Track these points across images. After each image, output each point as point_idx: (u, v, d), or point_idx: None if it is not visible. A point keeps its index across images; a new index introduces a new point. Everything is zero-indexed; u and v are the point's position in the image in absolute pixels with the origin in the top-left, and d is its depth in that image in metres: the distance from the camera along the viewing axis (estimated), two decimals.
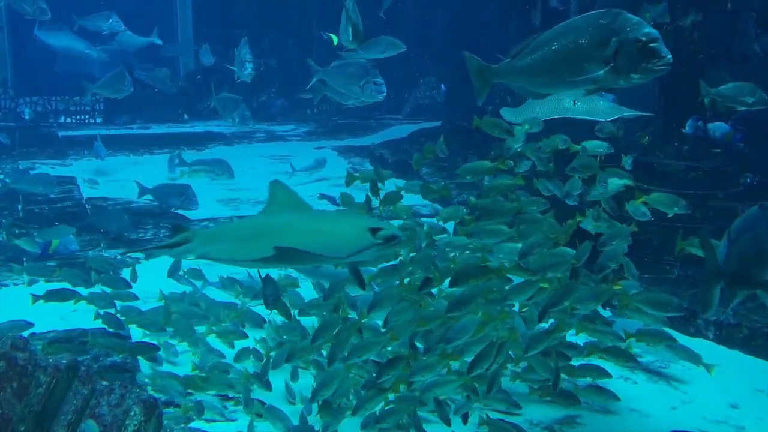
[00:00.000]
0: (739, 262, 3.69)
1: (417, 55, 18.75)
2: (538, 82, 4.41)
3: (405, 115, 19.45)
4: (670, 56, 3.91)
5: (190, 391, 5.41)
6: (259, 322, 5.98)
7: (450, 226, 5.71)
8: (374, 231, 3.99)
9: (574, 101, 7.11)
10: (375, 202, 5.57)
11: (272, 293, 5.04)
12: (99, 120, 17.74)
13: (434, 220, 5.89)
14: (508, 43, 14.50)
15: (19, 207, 10.09)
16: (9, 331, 5.65)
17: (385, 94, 7.98)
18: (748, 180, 7.81)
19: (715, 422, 5.50)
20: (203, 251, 4.17)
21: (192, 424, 5.04)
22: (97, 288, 6.55)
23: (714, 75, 7.85)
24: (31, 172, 11.75)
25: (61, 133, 16.19)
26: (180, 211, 10.67)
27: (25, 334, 5.75)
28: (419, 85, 19.68)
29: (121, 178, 12.25)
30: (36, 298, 6.22)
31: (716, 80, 6.91)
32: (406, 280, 5.08)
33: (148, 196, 10.94)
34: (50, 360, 3.95)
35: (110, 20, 14.49)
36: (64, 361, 3.98)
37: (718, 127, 8.15)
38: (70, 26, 15.04)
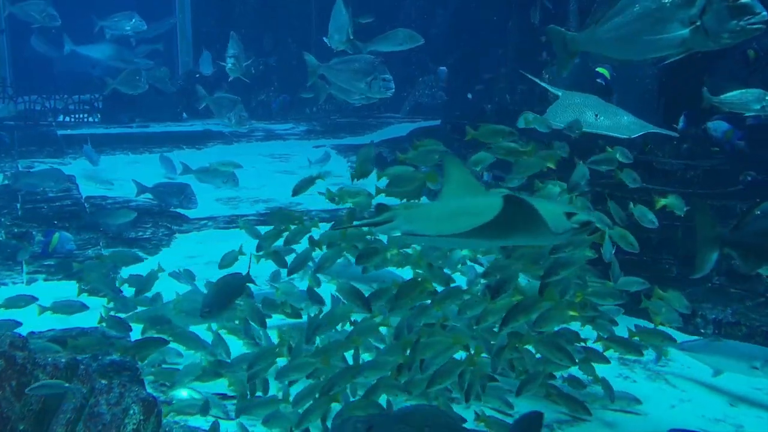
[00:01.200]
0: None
1: (417, 53, 18.73)
2: (622, 48, 4.13)
3: (404, 113, 19.46)
4: (765, 13, 3.55)
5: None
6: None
7: None
8: (569, 216, 3.88)
9: (596, 115, 6.90)
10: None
11: (212, 303, 5.01)
12: (98, 119, 17.71)
13: None
14: (508, 43, 14.53)
15: (18, 206, 10.08)
16: (65, 309, 6.45)
17: (393, 90, 7.68)
18: (749, 178, 7.79)
19: (714, 421, 5.50)
20: (408, 228, 4.19)
21: (191, 423, 5.04)
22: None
23: (713, 81, 7.81)
24: (31, 171, 11.73)
25: (59, 132, 16.15)
26: (179, 210, 10.66)
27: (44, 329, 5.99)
28: (418, 84, 19.68)
29: (120, 176, 12.22)
30: (81, 290, 6.71)
31: (715, 84, 6.88)
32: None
33: (147, 195, 10.94)
34: (49, 359, 3.95)
35: (133, 20, 14.38)
36: (63, 360, 3.98)
37: (718, 126, 8.12)
38: (92, 28, 14.89)
